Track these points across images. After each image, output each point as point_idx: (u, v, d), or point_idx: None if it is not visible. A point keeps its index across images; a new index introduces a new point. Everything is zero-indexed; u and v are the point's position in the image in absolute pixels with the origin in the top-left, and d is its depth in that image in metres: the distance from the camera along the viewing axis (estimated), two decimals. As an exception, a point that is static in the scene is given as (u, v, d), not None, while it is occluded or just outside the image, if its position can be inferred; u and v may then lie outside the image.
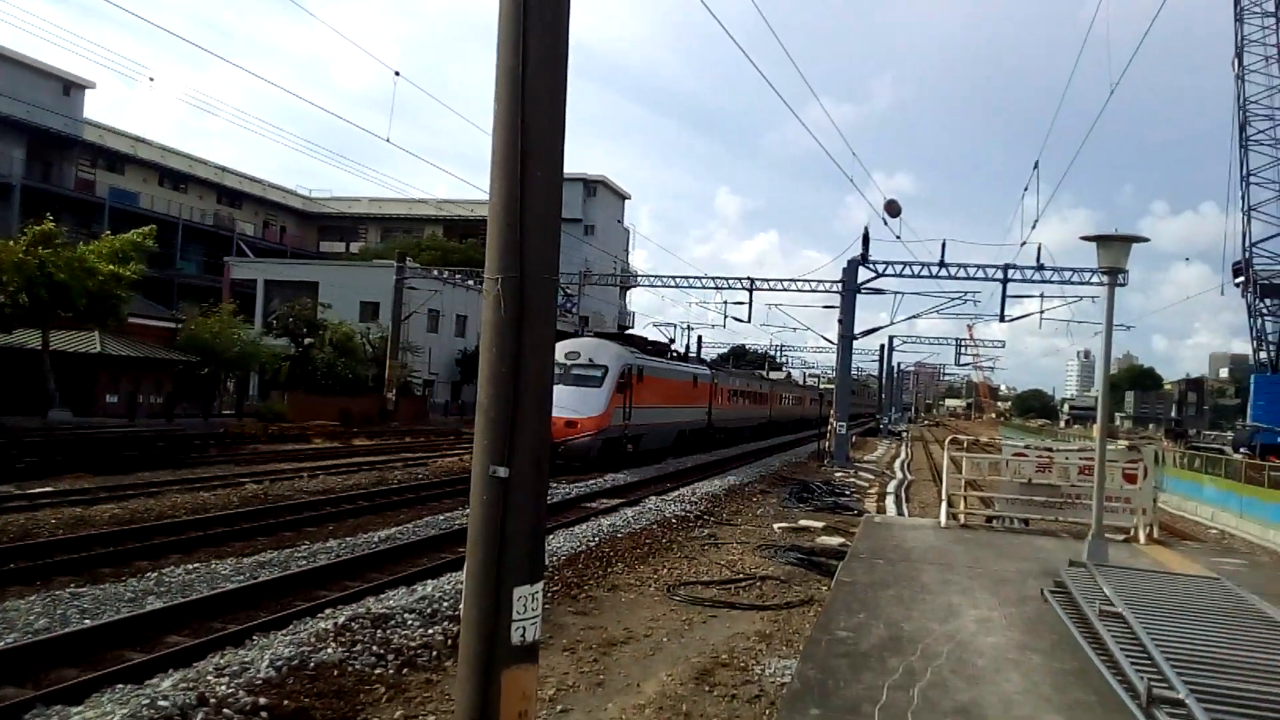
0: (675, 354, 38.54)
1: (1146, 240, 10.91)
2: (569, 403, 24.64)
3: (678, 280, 45.78)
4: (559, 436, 23.89)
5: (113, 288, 28.31)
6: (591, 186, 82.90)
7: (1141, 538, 13.05)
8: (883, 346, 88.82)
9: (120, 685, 6.83)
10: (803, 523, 17.63)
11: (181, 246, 62.07)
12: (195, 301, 47.52)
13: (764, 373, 68.50)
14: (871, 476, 30.72)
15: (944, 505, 14.15)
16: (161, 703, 6.27)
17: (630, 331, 54.95)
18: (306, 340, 43.99)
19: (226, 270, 58.71)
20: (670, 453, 31.94)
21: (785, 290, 44.01)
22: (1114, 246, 10.48)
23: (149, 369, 33.75)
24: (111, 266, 28.26)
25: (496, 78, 4.12)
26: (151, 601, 9.56)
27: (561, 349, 26.49)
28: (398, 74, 22.90)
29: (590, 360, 26.74)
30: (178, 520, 14.56)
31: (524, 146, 4.04)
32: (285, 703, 6.63)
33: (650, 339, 39.13)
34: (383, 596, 9.87)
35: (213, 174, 71.55)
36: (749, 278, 42.95)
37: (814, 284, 42.89)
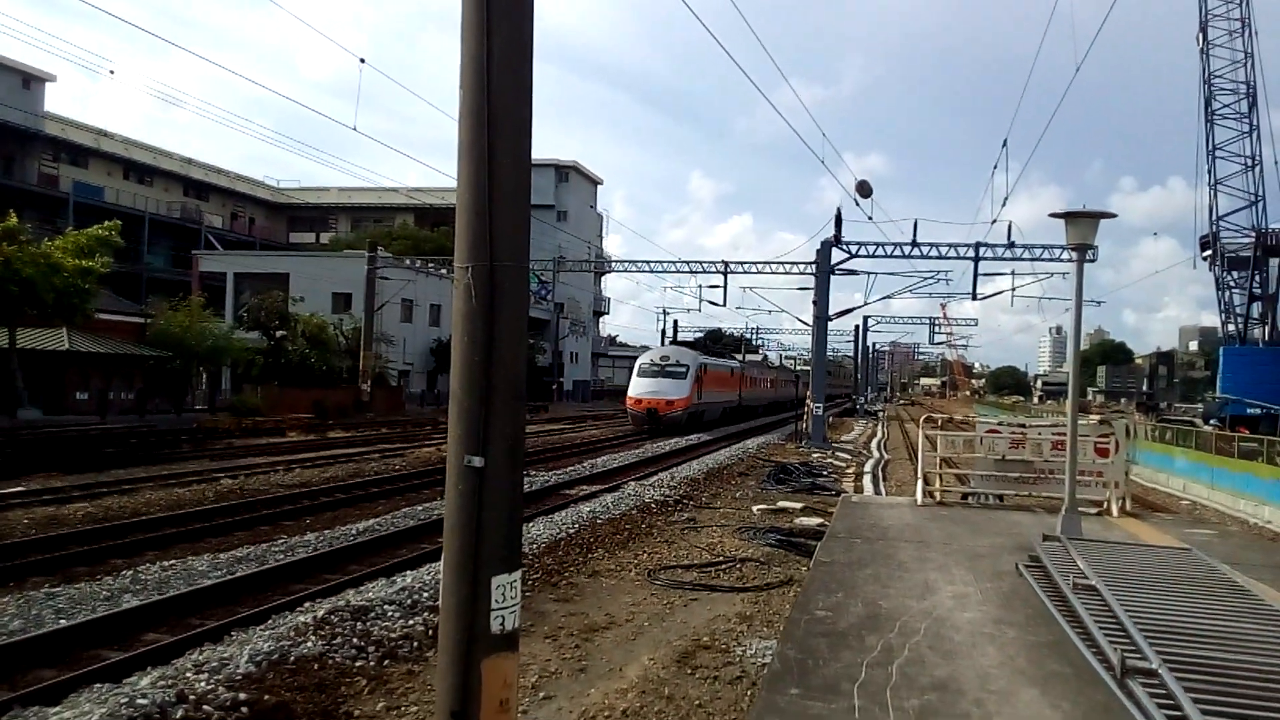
0: (715, 351, 52.57)
1: (1114, 216, 10.98)
2: (666, 389, 37.99)
3: (652, 265, 45.84)
4: (662, 411, 37.26)
5: (79, 283, 27.93)
6: (563, 172, 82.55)
7: (1114, 511, 13.22)
8: (857, 327, 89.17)
9: (98, 684, 6.78)
10: (781, 504, 17.72)
11: (149, 240, 61.26)
12: (164, 296, 46.89)
13: (769, 361, 79.15)
14: (848, 456, 30.91)
15: (920, 483, 14.26)
16: (140, 701, 6.23)
17: (702, 337, 67.35)
18: (279, 333, 43.59)
19: (195, 263, 58.03)
20: (719, 423, 43.40)
21: (760, 273, 44.14)
22: (1082, 223, 10.55)
23: (119, 365, 33.34)
24: (77, 262, 27.86)
25: (461, 65, 4.08)
26: (128, 599, 9.49)
27: (658, 353, 42.40)
28: (363, 61, 22.68)
29: (677, 361, 39.58)
30: (152, 517, 14.45)
31: (491, 134, 4.00)
32: (266, 697, 6.61)
33: (705, 342, 58.61)
34: (362, 589, 9.84)
35: (179, 166, 70.56)
36: (724, 261, 43.02)
37: (788, 266, 43.03)
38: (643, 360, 41.15)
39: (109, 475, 19.53)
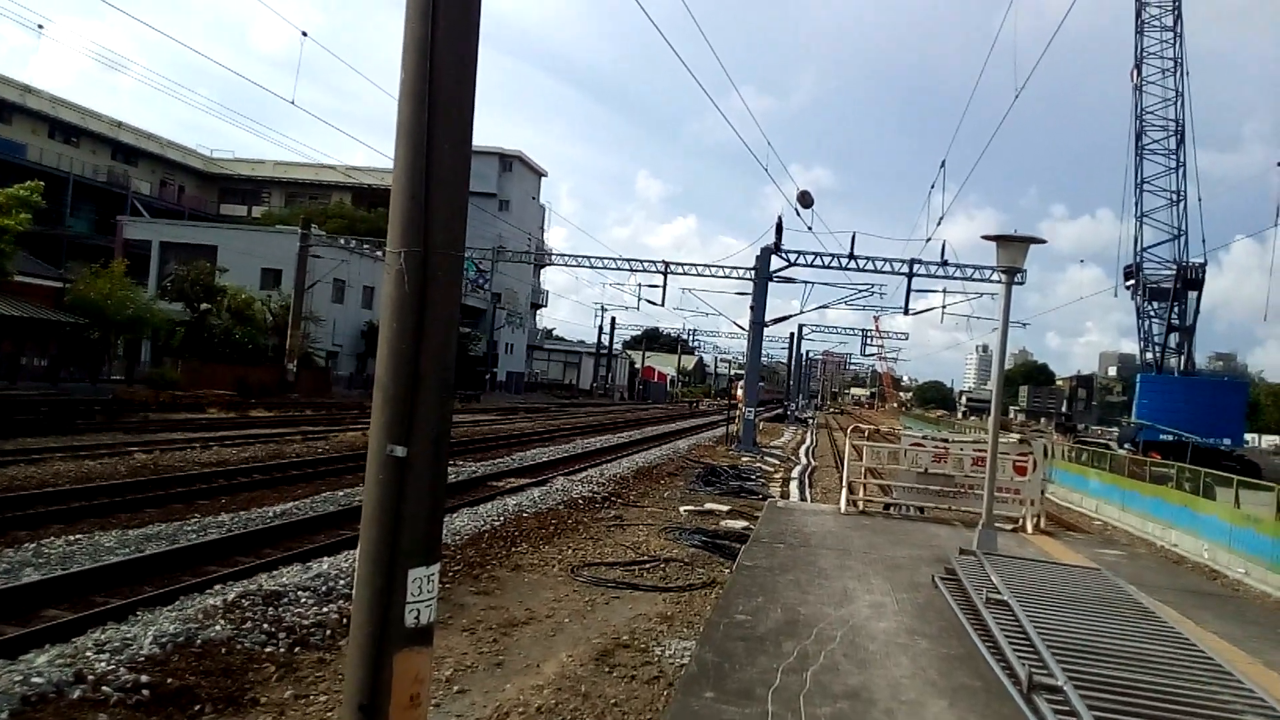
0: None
1: (1043, 242, 11.25)
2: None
3: (593, 261, 45.95)
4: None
5: (-5, 243, 26.86)
6: (507, 161, 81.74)
7: (1029, 528, 13.55)
8: (793, 334, 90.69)
9: (-10, 661, 6.49)
10: (708, 506, 17.80)
11: (72, 203, 59.16)
12: (85, 261, 45.30)
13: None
14: (777, 461, 31.21)
15: (844, 492, 14.46)
16: (36, 679, 6.00)
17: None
18: (203, 305, 42.43)
19: (119, 229, 56.19)
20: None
21: (700, 275, 44.46)
22: (1012, 247, 10.79)
23: (33, 330, 32.13)
24: (-6, 221, 26.79)
25: (404, 44, 3.98)
26: (29, 573, 9.12)
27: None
28: (305, 34, 22.26)
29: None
30: (60, 489, 13.92)
31: (431, 118, 3.91)
32: (169, 680, 6.40)
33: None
34: (276, 573, 9.60)
35: (108, 128, 68.08)
36: (664, 261, 43.20)
37: (728, 270, 43.38)
38: None
39: (15, 444, 18.77)
